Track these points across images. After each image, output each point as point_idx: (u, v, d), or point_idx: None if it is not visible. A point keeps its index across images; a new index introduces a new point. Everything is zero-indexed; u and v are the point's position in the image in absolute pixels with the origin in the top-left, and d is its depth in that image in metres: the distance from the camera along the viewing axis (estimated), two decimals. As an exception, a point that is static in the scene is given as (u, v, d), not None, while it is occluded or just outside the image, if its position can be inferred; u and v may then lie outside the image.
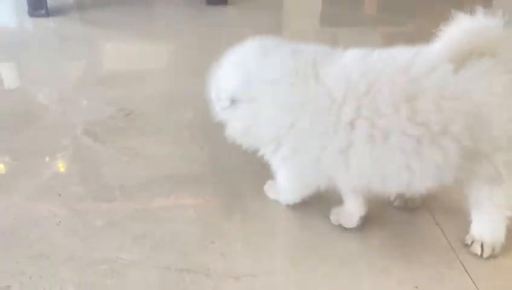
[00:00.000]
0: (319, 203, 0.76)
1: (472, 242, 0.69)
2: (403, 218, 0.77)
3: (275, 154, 0.70)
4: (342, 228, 0.73)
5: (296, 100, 0.66)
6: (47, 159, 0.88)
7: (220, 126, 0.93)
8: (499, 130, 0.61)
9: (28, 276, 0.64)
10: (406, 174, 0.62)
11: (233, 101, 0.70)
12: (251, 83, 0.69)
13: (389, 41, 1.54)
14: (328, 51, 0.71)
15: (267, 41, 0.72)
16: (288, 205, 0.77)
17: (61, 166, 0.86)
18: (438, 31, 0.66)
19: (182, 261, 0.67)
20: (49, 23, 1.46)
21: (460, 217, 0.71)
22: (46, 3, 1.47)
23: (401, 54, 0.66)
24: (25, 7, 1.49)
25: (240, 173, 0.86)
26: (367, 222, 0.74)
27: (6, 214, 0.75)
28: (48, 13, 1.48)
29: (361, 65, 0.67)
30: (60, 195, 0.79)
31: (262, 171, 0.79)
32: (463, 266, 0.67)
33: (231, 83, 0.70)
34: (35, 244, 0.69)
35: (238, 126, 0.72)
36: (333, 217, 0.74)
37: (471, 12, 0.63)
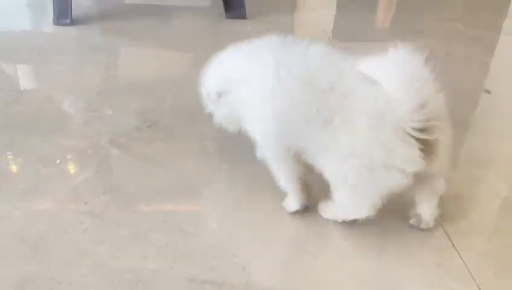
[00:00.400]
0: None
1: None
2: (420, 239, 0.79)
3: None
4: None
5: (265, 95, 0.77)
6: (74, 167, 0.91)
7: (241, 139, 0.97)
8: None
9: (57, 282, 0.67)
10: None
11: (219, 95, 0.84)
12: (230, 80, 0.82)
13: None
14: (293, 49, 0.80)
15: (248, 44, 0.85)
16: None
17: (88, 175, 0.88)
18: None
19: (205, 273, 0.69)
20: (74, 32, 1.50)
21: (479, 239, 0.73)
22: (71, 12, 1.51)
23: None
24: (51, 16, 1.53)
25: (260, 186, 0.88)
26: (381, 240, 0.76)
27: (35, 220, 0.77)
28: (72, 22, 1.52)
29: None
30: (86, 203, 0.81)
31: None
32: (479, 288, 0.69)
33: (216, 80, 0.85)
34: (63, 251, 0.72)
35: (222, 115, 0.86)
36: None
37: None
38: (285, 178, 0.81)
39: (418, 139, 0.67)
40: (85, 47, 1.41)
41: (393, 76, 0.69)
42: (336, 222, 0.79)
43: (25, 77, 1.23)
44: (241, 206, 0.84)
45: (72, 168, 0.90)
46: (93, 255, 0.71)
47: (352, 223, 0.78)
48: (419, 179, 0.71)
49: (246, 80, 0.80)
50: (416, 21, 1.86)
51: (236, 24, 1.67)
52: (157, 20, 1.71)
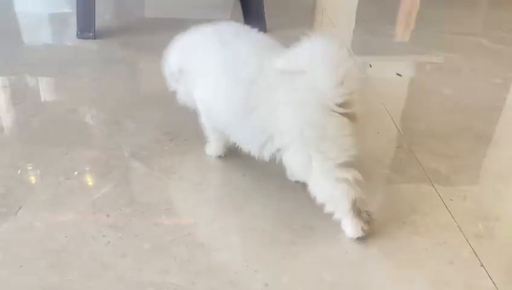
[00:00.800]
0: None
1: None
2: (447, 256, 0.77)
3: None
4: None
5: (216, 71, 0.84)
6: (96, 179, 0.91)
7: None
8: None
9: (79, 295, 0.66)
10: None
11: (180, 72, 0.91)
12: (187, 58, 0.91)
13: (420, 70, 1.55)
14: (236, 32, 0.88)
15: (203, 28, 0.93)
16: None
17: (109, 187, 0.88)
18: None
19: (226, 289, 0.68)
20: (96, 45, 1.52)
21: (508, 258, 0.71)
22: (95, 26, 1.53)
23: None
24: (74, 29, 1.56)
25: (282, 201, 0.88)
26: (409, 258, 0.75)
27: (57, 232, 0.77)
28: (95, 36, 1.54)
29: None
30: (108, 216, 0.81)
31: (305, 199, 0.80)
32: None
33: (177, 59, 0.93)
34: (85, 263, 0.72)
35: (182, 91, 0.95)
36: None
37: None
38: (211, 134, 0.95)
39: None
40: (107, 60, 1.43)
41: (313, 61, 0.74)
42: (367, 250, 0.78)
43: (48, 90, 1.24)
44: (264, 220, 0.83)
45: (94, 180, 0.91)
46: (115, 268, 0.71)
47: (376, 244, 0.76)
48: None
49: (194, 60, 0.89)
50: (437, 35, 1.85)
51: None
52: (177, 33, 1.72)
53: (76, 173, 0.92)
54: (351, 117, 0.74)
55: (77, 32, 1.54)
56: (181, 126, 1.09)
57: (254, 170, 0.95)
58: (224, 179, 0.95)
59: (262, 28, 1.71)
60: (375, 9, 2.21)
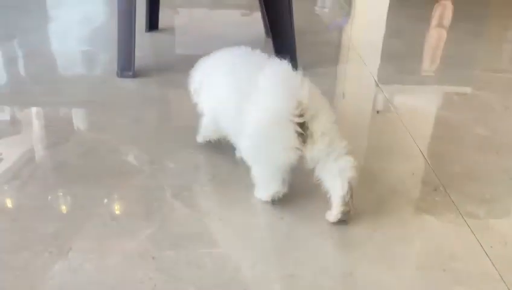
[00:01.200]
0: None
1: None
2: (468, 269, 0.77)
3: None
4: None
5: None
6: (141, 221, 0.94)
7: (300, 198, 0.98)
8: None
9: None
10: None
11: (200, 87, 1.14)
12: (206, 77, 1.12)
13: (450, 107, 1.55)
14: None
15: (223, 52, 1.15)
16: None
17: (154, 229, 0.91)
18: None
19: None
20: (135, 84, 1.58)
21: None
22: (134, 65, 1.60)
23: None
24: (114, 68, 1.63)
25: (321, 246, 0.89)
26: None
27: (107, 275, 0.80)
28: (134, 74, 1.61)
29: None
30: (153, 258, 0.84)
31: (343, 244, 0.82)
32: None
33: (199, 77, 1.15)
34: (134, 307, 0.74)
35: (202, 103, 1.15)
36: None
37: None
38: (210, 129, 1.15)
39: (298, 125, 0.90)
40: (146, 99, 1.49)
41: (274, 88, 0.94)
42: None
43: (91, 129, 1.30)
44: (304, 266, 0.84)
45: (138, 222, 0.94)
46: (163, 313, 0.73)
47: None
48: (314, 162, 0.94)
49: (210, 78, 1.11)
50: (466, 72, 1.86)
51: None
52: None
53: (121, 213, 0.96)
54: (305, 132, 0.91)
55: (117, 71, 1.61)
56: (220, 166, 1.13)
57: (293, 214, 0.97)
58: (263, 221, 0.97)
59: (294, 66, 1.76)
60: (403, 45, 2.23)
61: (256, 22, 2.19)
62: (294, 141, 0.91)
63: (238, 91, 1.00)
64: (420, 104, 1.59)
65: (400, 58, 2.04)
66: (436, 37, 2.52)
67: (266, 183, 0.99)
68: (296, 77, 0.96)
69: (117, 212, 0.97)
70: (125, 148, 1.19)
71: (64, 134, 1.25)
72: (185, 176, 1.09)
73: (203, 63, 1.16)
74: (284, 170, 0.96)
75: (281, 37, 1.73)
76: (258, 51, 1.10)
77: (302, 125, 0.91)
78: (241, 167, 1.13)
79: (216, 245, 0.89)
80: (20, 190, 1.02)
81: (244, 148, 1.00)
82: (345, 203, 0.93)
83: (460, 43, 2.27)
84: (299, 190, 1.01)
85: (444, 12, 3.18)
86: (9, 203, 0.99)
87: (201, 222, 0.95)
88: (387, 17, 3.05)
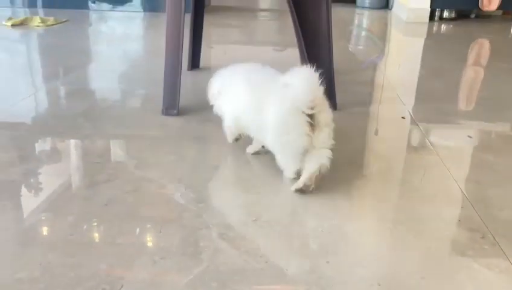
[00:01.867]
0: None
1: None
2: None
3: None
4: None
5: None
6: (188, 260, 0.96)
7: (343, 242, 0.98)
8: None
9: None
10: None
11: (219, 93, 1.38)
12: (223, 85, 1.38)
13: (491, 148, 1.53)
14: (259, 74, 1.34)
15: (236, 67, 1.40)
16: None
17: (201, 269, 0.93)
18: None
19: None
20: (179, 122, 1.64)
21: None
22: (179, 104, 1.66)
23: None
24: (156, 105, 1.69)
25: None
26: None
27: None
28: (179, 112, 1.66)
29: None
30: (202, 299, 0.86)
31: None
32: None
33: (217, 84, 1.40)
34: None
35: (217, 107, 1.41)
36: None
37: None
38: (230, 134, 1.39)
39: (308, 116, 1.14)
40: (191, 137, 1.53)
41: (300, 82, 1.15)
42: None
43: (139, 166, 1.34)
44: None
45: (186, 261, 0.96)
46: None
47: None
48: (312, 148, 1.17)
49: (229, 87, 1.35)
50: (504, 111, 1.84)
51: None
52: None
53: (169, 252, 0.98)
54: (314, 121, 1.14)
55: (163, 109, 1.67)
56: (263, 207, 1.14)
57: (336, 256, 0.97)
58: (307, 262, 0.97)
59: (333, 106, 1.79)
60: (440, 84, 2.24)
61: (289, 58, 2.25)
62: (307, 128, 1.14)
63: (256, 94, 1.24)
64: (460, 146, 1.58)
65: (436, 97, 2.04)
66: (473, 76, 2.52)
67: (289, 165, 1.22)
68: (315, 76, 1.13)
69: (165, 250, 0.99)
70: (172, 186, 1.22)
71: (113, 171, 1.30)
72: (229, 215, 1.11)
73: (222, 74, 1.40)
74: (300, 152, 1.17)
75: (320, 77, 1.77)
76: (268, 66, 1.34)
77: (311, 116, 1.13)
78: (285, 208, 1.15)
79: (261, 287, 0.89)
80: (73, 226, 1.06)
81: (269, 141, 1.23)
82: (310, 179, 1.17)
83: (498, 82, 2.26)
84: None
85: (480, 51, 3.17)
86: (62, 238, 1.02)
87: (247, 263, 0.96)
88: (423, 55, 3.07)
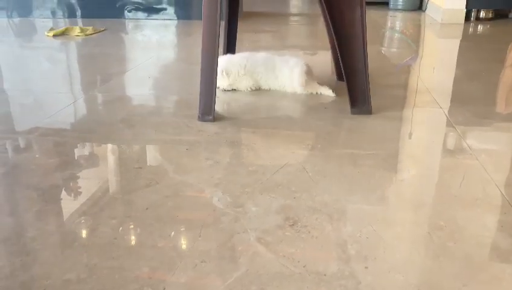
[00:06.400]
0: None
1: None
2: None
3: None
4: None
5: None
6: (228, 264, 0.98)
7: (381, 248, 0.97)
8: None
9: None
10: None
11: (226, 73, 2.06)
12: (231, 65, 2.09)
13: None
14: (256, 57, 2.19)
15: (244, 53, 2.22)
16: None
17: (240, 273, 0.95)
18: None
19: None
20: (215, 127, 1.67)
21: None
22: (214, 110, 1.69)
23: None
24: (195, 112, 1.73)
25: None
26: None
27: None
28: (214, 118, 1.69)
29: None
30: (242, 302, 0.87)
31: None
32: None
33: (225, 65, 2.07)
34: None
35: (224, 83, 2.09)
36: None
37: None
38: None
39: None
40: (227, 142, 1.56)
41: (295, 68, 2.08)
42: None
43: (178, 171, 1.38)
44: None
45: (225, 265, 0.98)
46: None
47: None
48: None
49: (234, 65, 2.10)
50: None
51: (363, 119, 1.74)
52: (284, 115, 1.85)
53: (209, 256, 1.01)
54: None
55: (198, 115, 1.71)
56: (300, 212, 1.15)
57: (375, 262, 0.97)
58: (345, 268, 0.97)
59: (368, 111, 1.78)
60: (476, 87, 2.19)
61: (320, 62, 2.26)
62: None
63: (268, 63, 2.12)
64: (500, 149, 1.54)
65: (473, 100, 2.00)
66: (511, 78, 2.45)
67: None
68: (305, 66, 2.09)
69: (206, 254, 1.01)
70: (210, 190, 1.25)
71: (155, 176, 1.34)
72: (267, 220, 1.13)
73: (225, 58, 2.12)
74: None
75: (355, 81, 1.76)
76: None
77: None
78: (322, 213, 1.15)
79: (300, 289, 0.90)
80: (116, 230, 1.10)
81: (281, 81, 2.10)
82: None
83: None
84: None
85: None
86: (106, 241, 1.06)
87: (285, 268, 0.97)
88: (458, 57, 3.00)
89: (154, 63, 2.71)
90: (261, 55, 2.15)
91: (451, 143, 1.59)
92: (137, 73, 2.49)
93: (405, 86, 2.26)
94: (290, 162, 1.40)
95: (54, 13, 4.25)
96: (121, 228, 1.10)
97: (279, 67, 2.08)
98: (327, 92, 2.03)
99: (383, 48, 3.19)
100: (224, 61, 2.07)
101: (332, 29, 1.74)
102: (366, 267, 0.97)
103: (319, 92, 2.04)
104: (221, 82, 2.05)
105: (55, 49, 3.14)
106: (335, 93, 2.03)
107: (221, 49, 2.13)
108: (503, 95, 2.15)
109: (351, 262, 0.99)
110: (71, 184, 1.33)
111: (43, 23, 4.00)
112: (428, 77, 2.39)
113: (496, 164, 1.41)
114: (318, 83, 2.08)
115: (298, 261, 0.99)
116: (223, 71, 2.02)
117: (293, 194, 1.24)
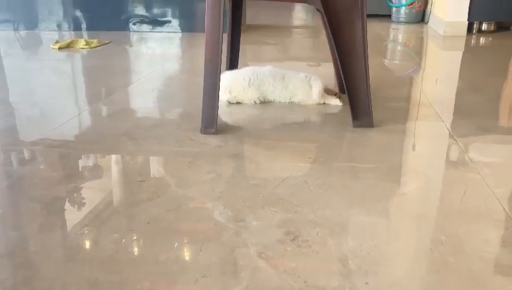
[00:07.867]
0: None
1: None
2: None
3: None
4: None
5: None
6: (229, 279, 0.98)
7: (382, 263, 0.97)
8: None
9: None
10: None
11: (228, 90, 2.08)
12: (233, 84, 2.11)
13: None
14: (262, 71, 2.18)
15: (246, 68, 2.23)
16: None
17: (241, 288, 0.95)
18: None
19: None
20: (217, 140, 1.68)
21: None
22: (217, 123, 1.70)
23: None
24: (197, 125, 1.74)
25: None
26: None
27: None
28: (216, 131, 1.70)
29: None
30: (243, 317, 0.87)
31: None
32: None
33: (227, 82, 2.07)
34: None
35: (225, 98, 2.08)
36: None
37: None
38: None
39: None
40: (228, 155, 1.57)
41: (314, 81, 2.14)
42: None
43: (179, 184, 1.38)
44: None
45: (226, 280, 0.98)
46: None
47: None
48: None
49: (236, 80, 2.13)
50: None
51: (363, 132, 1.75)
52: (286, 127, 1.85)
53: (210, 270, 1.01)
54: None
55: (201, 128, 1.72)
56: (301, 226, 1.16)
57: (376, 277, 0.97)
58: (346, 283, 0.97)
59: (370, 123, 1.79)
60: (479, 99, 2.19)
61: (323, 74, 2.27)
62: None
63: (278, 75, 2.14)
64: (502, 163, 1.54)
65: (476, 112, 2.00)
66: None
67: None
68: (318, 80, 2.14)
69: (207, 269, 1.01)
70: (211, 203, 1.26)
71: (155, 188, 1.35)
72: (267, 235, 1.13)
73: (227, 75, 2.13)
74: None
75: (356, 94, 1.77)
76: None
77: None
78: (323, 227, 1.16)
79: (302, 307, 0.90)
80: (118, 243, 1.10)
81: (291, 91, 2.12)
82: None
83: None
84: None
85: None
86: (108, 255, 1.07)
87: (287, 283, 0.97)
88: (461, 69, 3.01)
89: (158, 75, 2.73)
90: (268, 68, 2.17)
91: (453, 156, 1.59)
92: (142, 85, 2.51)
93: (407, 98, 2.27)
94: (291, 175, 1.41)
95: (59, 26, 4.30)
96: (122, 242, 1.11)
97: (289, 77, 2.11)
98: (335, 102, 2.10)
99: (386, 60, 3.20)
100: (227, 77, 2.08)
101: (333, 43, 1.76)
102: (366, 283, 0.97)
103: (327, 102, 2.10)
104: (225, 96, 2.07)
105: (61, 62, 3.18)
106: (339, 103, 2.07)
107: (224, 60, 2.15)
108: (505, 107, 2.15)
109: (352, 277, 0.99)
110: (74, 196, 1.33)
111: (49, 35, 4.05)
112: (431, 90, 2.40)
113: (498, 178, 1.41)
114: (326, 93, 2.13)
115: (299, 276, 0.99)
116: (226, 89, 2.04)
117: (294, 208, 1.24)
